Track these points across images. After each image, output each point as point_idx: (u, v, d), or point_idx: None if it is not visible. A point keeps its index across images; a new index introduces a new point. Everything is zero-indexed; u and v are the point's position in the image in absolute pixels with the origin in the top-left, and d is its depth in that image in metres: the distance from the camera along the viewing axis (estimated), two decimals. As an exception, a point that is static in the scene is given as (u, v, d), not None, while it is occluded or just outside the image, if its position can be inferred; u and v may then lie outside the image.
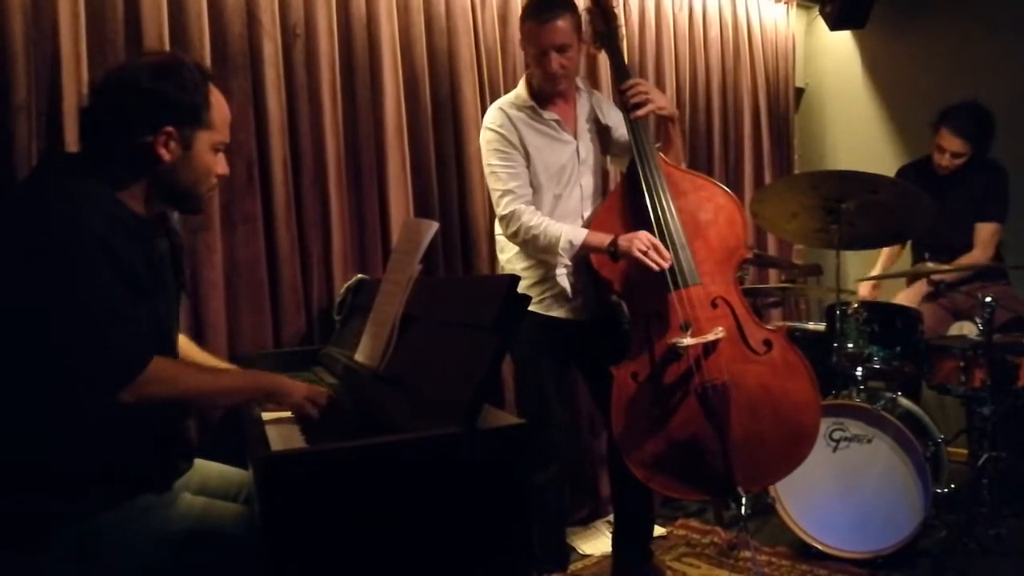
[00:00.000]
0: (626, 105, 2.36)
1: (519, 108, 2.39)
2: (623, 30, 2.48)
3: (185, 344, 1.82)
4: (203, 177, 1.51)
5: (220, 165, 1.55)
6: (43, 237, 1.31)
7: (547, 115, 2.38)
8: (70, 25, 2.08)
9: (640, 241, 2.19)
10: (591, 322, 2.44)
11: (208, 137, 1.49)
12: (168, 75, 1.44)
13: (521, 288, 2.38)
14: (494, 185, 2.37)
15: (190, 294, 2.31)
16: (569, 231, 2.28)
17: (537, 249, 2.32)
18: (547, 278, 2.39)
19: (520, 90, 2.42)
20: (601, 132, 2.52)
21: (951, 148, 3.25)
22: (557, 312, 2.40)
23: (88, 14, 2.13)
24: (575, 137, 2.43)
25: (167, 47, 2.23)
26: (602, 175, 2.55)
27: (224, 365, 1.91)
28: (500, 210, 2.35)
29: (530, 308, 2.28)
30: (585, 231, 2.30)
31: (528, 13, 2.33)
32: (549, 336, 2.37)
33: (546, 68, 2.30)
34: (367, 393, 1.71)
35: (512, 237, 2.36)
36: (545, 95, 2.39)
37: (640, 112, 2.33)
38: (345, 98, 2.66)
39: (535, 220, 2.30)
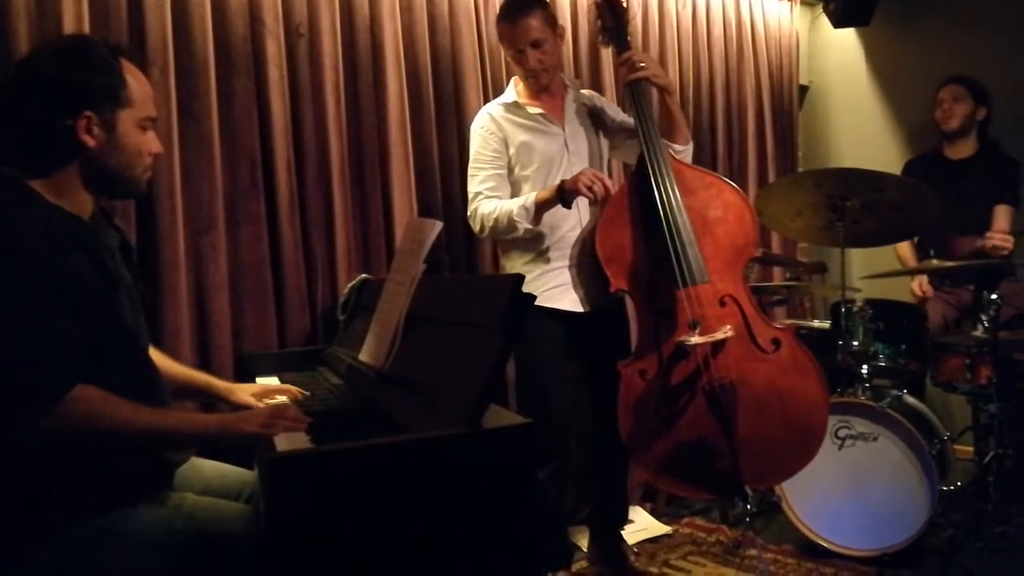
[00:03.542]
0: (623, 77, 2.42)
1: (504, 107, 2.46)
2: (632, 26, 2.52)
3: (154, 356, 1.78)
4: (135, 158, 1.45)
5: (151, 143, 1.49)
6: None
7: (531, 110, 2.44)
8: (74, 27, 2.08)
9: (584, 176, 2.23)
10: (593, 314, 2.46)
11: (131, 115, 1.43)
12: (73, 59, 1.38)
13: (524, 283, 2.44)
14: (469, 187, 2.47)
15: (194, 293, 2.32)
16: (518, 199, 2.35)
17: (500, 231, 2.39)
18: (549, 272, 2.43)
19: (507, 91, 2.51)
20: (596, 124, 2.55)
21: (950, 96, 3.38)
22: (559, 304, 2.42)
23: (92, 16, 2.14)
24: (563, 129, 2.47)
25: (170, 48, 2.24)
26: (598, 166, 2.55)
27: (195, 375, 1.85)
28: (469, 212, 2.46)
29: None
30: (533, 194, 2.35)
31: (500, 15, 2.43)
32: (551, 329, 2.40)
33: (524, 65, 2.38)
34: (371, 393, 1.72)
35: (480, 232, 2.45)
36: (531, 91, 2.46)
37: (633, 76, 2.37)
38: (348, 98, 2.66)
39: (491, 206, 2.38)
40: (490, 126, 2.43)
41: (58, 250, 1.32)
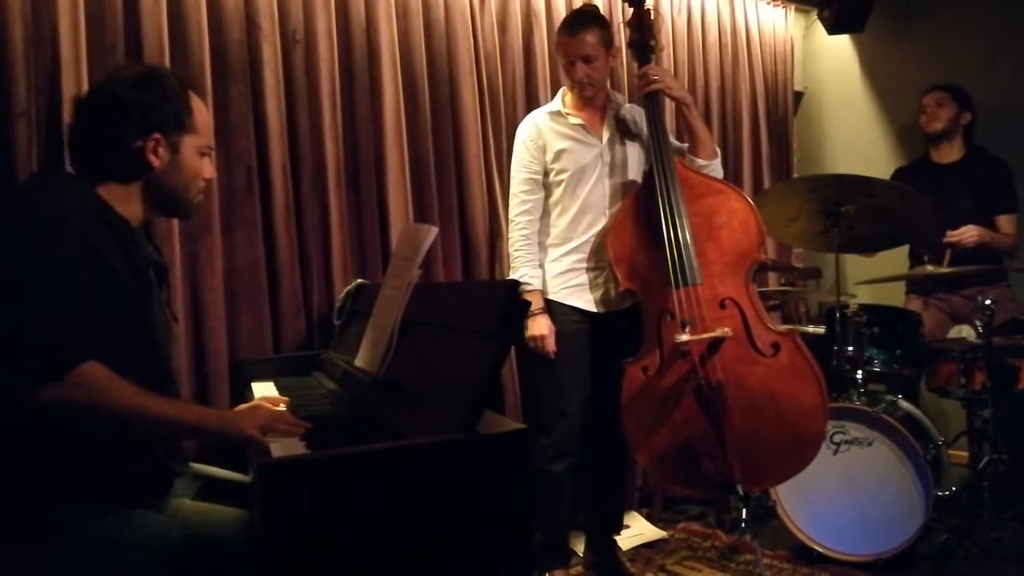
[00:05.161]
0: (639, 90, 2.53)
1: (549, 115, 2.59)
2: (659, 44, 2.65)
3: None
4: (191, 180, 1.57)
5: (207, 169, 1.60)
6: (24, 227, 1.35)
7: (572, 120, 2.56)
8: (70, 31, 2.09)
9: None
10: (609, 315, 2.55)
11: (193, 141, 1.54)
12: (149, 85, 1.50)
13: (546, 278, 2.51)
14: (512, 187, 2.60)
15: (189, 298, 2.32)
16: (522, 273, 2.50)
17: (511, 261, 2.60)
18: (572, 270, 2.54)
19: (555, 99, 2.63)
20: (634, 138, 2.66)
21: (933, 101, 3.41)
22: (574, 301, 2.53)
23: (88, 20, 2.14)
24: (600, 140, 2.57)
25: (167, 52, 2.25)
26: (630, 176, 2.63)
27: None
28: (510, 211, 2.59)
29: (551, 298, 2.52)
30: (529, 284, 2.49)
31: (561, 26, 2.58)
32: (570, 325, 2.51)
33: (572, 76, 2.51)
34: (367, 398, 1.72)
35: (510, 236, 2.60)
36: (576, 103, 2.57)
37: (647, 89, 2.49)
38: (344, 103, 2.66)
39: (519, 244, 2.53)
40: (532, 133, 2.56)
41: (100, 239, 1.39)
